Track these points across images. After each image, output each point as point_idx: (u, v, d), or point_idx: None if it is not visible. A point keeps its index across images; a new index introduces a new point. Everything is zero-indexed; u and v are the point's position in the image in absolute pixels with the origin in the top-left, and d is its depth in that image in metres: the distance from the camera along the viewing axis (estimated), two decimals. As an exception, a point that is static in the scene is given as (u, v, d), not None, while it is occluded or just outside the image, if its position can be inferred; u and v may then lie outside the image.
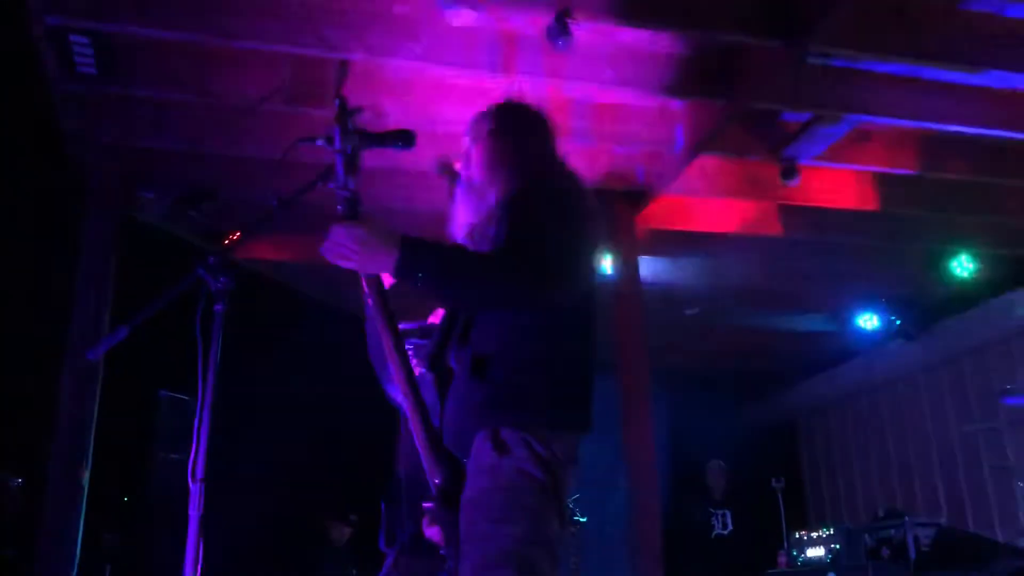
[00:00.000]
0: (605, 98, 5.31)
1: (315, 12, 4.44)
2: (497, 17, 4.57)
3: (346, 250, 1.98)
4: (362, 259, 1.98)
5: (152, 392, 6.59)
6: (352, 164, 2.12)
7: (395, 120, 4.98)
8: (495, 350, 2.07)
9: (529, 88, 5.07)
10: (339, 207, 2.09)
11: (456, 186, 2.38)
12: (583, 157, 5.72)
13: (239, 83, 4.89)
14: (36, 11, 4.18)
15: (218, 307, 2.15)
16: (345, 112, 2.15)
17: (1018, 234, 7.12)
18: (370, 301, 2.13)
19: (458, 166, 2.39)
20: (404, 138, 2.22)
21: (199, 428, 2.00)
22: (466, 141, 2.39)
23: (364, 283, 2.14)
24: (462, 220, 2.31)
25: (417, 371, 2.86)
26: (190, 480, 1.96)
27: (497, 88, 5.12)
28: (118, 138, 5.35)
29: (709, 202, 6.49)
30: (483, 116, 2.39)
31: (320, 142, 2.30)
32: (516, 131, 2.34)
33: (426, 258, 1.97)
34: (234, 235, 2.19)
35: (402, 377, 2.08)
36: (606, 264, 5.87)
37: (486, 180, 2.27)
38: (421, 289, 2.00)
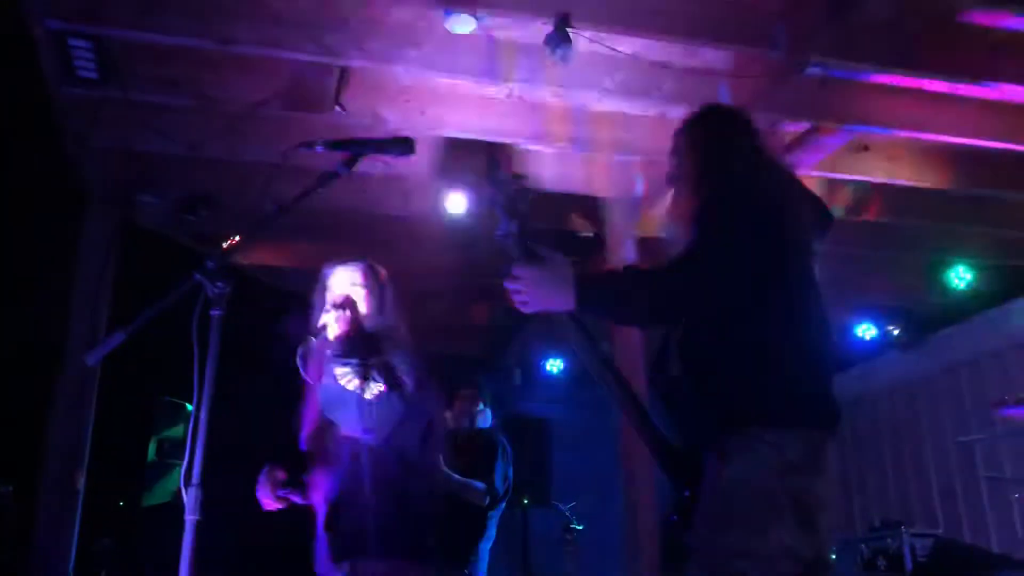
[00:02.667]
0: (604, 106, 5.32)
1: (315, 18, 4.45)
2: (497, 25, 4.58)
3: (523, 294, 2.05)
4: (540, 301, 2.04)
5: (151, 397, 6.58)
6: (514, 208, 2.15)
7: (394, 127, 4.99)
8: (709, 356, 2.06)
9: (529, 95, 5.10)
10: (512, 252, 2.14)
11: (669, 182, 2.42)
12: (582, 165, 5.73)
13: (239, 88, 4.91)
14: (36, 15, 4.20)
15: (215, 312, 2.15)
16: (494, 165, 2.27)
17: (1015, 245, 7.14)
18: (567, 331, 2.18)
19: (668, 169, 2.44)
20: (403, 145, 2.22)
21: (195, 433, 2.00)
22: (673, 145, 2.43)
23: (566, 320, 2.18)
24: (671, 218, 2.36)
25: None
26: (182, 485, 1.97)
27: (497, 95, 5.15)
28: (118, 142, 5.35)
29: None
30: (685, 125, 2.43)
31: (319, 148, 2.31)
32: (715, 140, 2.34)
33: (600, 291, 2.05)
34: (233, 240, 2.18)
35: (624, 402, 2.18)
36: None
37: (688, 189, 2.29)
38: (602, 319, 2.13)
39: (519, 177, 2.21)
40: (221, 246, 2.25)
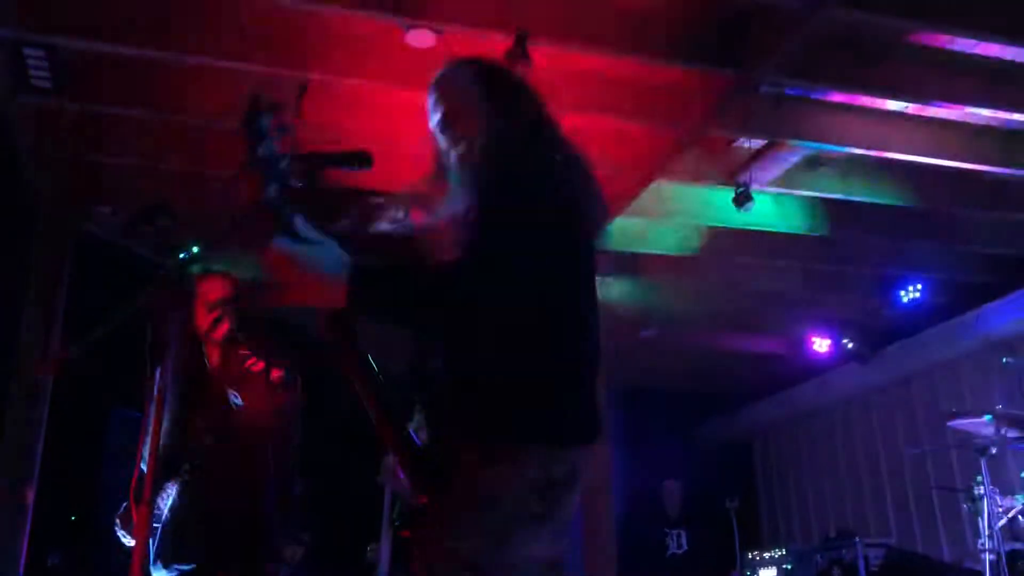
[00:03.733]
0: (562, 121, 5.35)
1: (275, 31, 4.44)
2: (457, 39, 4.61)
3: (281, 279, 1.67)
4: (301, 292, 1.67)
5: (104, 409, 6.48)
6: (274, 168, 1.84)
7: (353, 139, 4.99)
8: (479, 364, 1.85)
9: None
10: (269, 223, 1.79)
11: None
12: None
13: (197, 99, 4.88)
14: (-10, 23, 4.15)
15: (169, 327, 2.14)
16: (257, 113, 1.87)
17: (965, 260, 7.30)
18: (327, 335, 1.89)
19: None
20: (361, 158, 2.20)
21: (145, 449, 1.98)
22: (441, 109, 2.07)
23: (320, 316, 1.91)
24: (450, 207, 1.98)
25: None
26: (132, 502, 1.95)
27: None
28: (73, 152, 5.29)
29: (665, 224, 6.57)
30: (456, 75, 2.10)
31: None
32: (496, 101, 2.04)
33: (384, 290, 1.72)
34: (189, 252, 2.15)
35: (377, 410, 1.89)
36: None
37: (461, 159, 2.02)
38: (377, 319, 1.78)
39: (283, 129, 1.88)
40: (177, 258, 2.24)
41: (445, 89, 2.07)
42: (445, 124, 2.04)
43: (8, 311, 5.32)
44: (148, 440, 2.03)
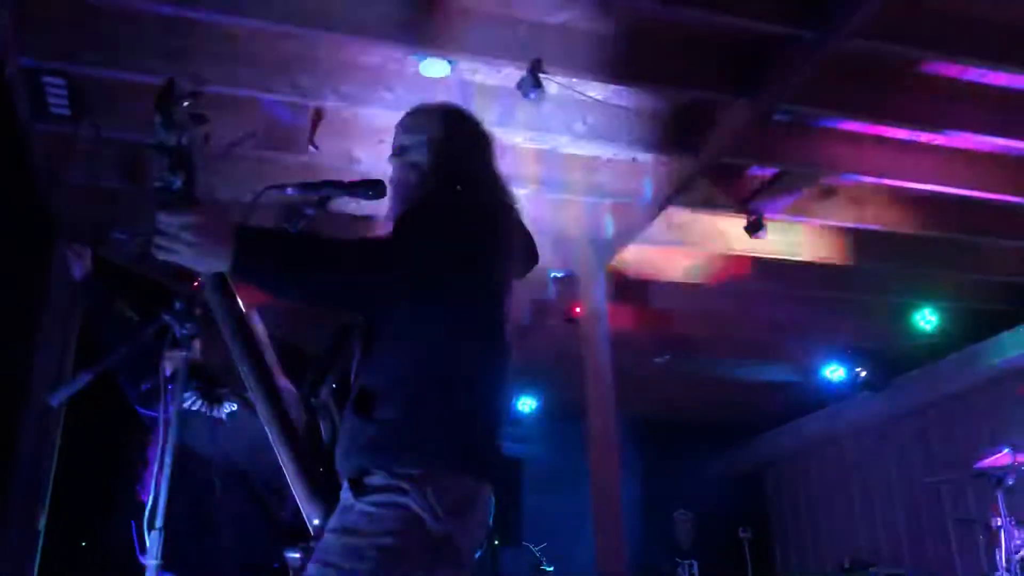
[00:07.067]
0: (575, 149, 5.39)
1: (289, 60, 4.49)
2: (469, 68, 4.65)
3: (175, 242, 1.74)
4: (193, 254, 1.73)
5: (116, 434, 6.49)
6: (185, 158, 1.97)
7: (367, 167, 5.03)
8: (383, 385, 1.82)
9: (500, 138, 5.14)
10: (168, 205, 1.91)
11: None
12: (553, 207, 5.78)
13: (213, 128, 4.91)
14: (10, 52, 4.20)
15: (183, 353, 2.15)
16: (170, 97, 1.95)
17: (980, 288, 7.27)
18: (212, 301, 1.93)
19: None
20: (374, 187, 2.23)
21: (159, 474, 1.98)
22: (401, 139, 2.21)
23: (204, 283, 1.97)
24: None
25: None
26: (146, 528, 1.94)
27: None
28: (90, 179, 5.33)
29: (677, 252, 6.57)
30: (420, 117, 2.24)
31: (290, 190, 2.32)
32: (459, 141, 2.20)
33: (267, 251, 1.74)
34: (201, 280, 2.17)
35: (262, 397, 1.89)
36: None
37: (416, 178, 2.14)
38: (260, 287, 1.80)
39: (200, 120, 2.00)
40: (192, 284, 2.26)
41: (410, 123, 2.23)
42: (401, 151, 2.19)
43: (23, 336, 5.35)
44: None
